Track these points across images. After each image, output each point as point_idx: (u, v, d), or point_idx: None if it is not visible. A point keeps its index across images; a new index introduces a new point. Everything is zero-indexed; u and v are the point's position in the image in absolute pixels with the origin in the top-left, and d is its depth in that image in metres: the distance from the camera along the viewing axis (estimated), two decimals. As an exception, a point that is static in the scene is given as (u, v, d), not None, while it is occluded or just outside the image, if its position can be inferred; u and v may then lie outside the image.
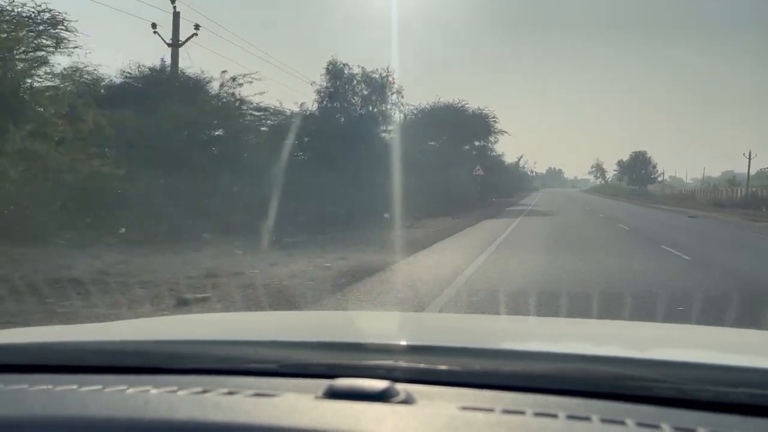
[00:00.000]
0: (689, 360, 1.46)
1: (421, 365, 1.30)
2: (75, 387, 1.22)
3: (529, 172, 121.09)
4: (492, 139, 43.39)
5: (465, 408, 1.09)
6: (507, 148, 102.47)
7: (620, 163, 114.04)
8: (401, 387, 1.14)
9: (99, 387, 1.21)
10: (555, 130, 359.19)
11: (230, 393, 1.16)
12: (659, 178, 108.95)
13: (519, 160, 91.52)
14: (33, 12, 12.78)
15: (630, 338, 1.90)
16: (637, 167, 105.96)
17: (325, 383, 1.16)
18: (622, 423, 1.03)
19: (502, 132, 42.33)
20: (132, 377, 1.27)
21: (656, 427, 1.02)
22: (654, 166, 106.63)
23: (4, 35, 11.97)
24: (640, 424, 1.03)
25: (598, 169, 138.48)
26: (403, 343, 1.48)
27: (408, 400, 1.12)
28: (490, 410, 1.08)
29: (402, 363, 1.31)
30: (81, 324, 2.17)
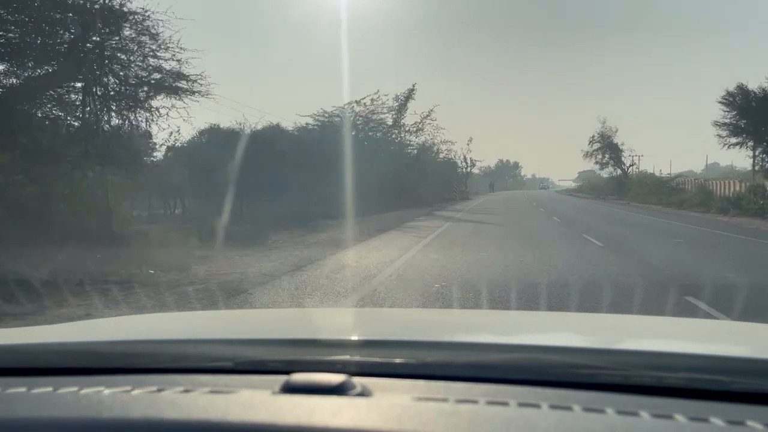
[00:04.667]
0: (632, 347, 1.53)
1: (377, 359, 1.32)
2: (24, 390, 1.20)
3: (459, 162, 64.23)
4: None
5: (419, 398, 1.12)
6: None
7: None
8: (357, 380, 1.17)
9: (50, 389, 1.19)
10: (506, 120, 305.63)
11: (186, 391, 1.16)
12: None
13: (423, 121, 42.08)
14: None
15: (577, 328, 1.97)
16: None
17: (281, 379, 1.17)
18: (569, 409, 1.08)
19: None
20: (84, 378, 1.26)
21: (602, 411, 1.07)
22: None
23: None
24: (586, 409, 1.07)
25: (607, 147, 61.83)
26: (359, 337, 1.51)
27: (364, 393, 1.14)
28: (444, 400, 1.11)
29: (358, 357, 1.34)
30: (32, 326, 2.11)
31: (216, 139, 23.84)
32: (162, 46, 12.88)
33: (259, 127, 26.51)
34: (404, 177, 37.80)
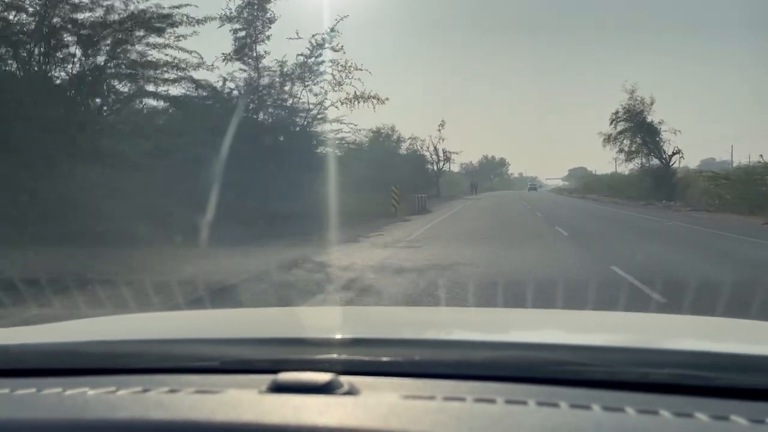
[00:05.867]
0: (617, 344, 1.54)
1: (364, 357, 1.32)
2: (7, 391, 1.19)
3: (429, 155, 56.60)
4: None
5: (407, 397, 1.12)
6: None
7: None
8: (345, 379, 1.16)
9: (33, 390, 1.18)
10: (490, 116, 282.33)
11: (172, 391, 1.15)
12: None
13: (315, 52, 20.30)
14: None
15: (563, 325, 1.98)
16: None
17: (268, 378, 1.17)
18: (556, 405, 1.08)
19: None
20: (68, 379, 1.24)
21: (588, 408, 1.08)
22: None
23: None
24: (573, 406, 1.08)
25: (638, 128, 39.83)
26: (346, 336, 1.50)
27: (352, 392, 1.14)
28: (432, 398, 1.11)
29: (345, 356, 1.33)
30: (15, 327, 2.09)
31: None
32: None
33: None
34: (269, 176, 19.09)
